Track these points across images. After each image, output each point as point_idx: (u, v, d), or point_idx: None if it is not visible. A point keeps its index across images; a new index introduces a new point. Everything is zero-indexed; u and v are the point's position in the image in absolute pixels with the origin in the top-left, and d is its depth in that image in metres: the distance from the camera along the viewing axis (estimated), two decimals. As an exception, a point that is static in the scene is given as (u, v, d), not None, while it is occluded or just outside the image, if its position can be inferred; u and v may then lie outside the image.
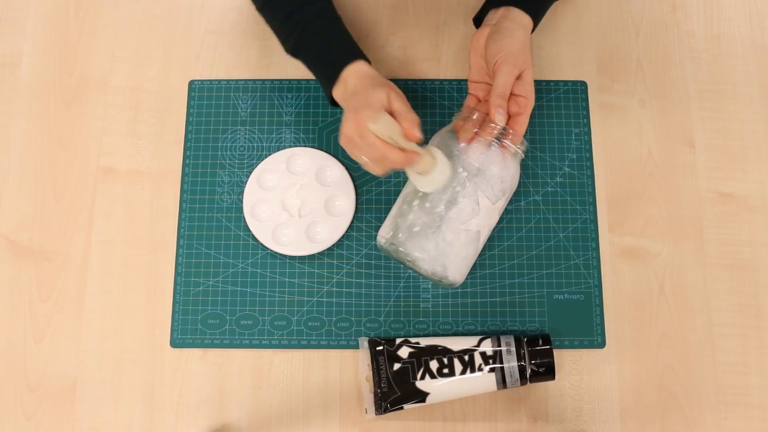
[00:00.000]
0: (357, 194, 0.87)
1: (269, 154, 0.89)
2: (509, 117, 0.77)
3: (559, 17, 0.94)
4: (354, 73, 0.77)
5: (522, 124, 0.78)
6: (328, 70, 0.79)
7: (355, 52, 0.79)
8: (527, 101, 0.78)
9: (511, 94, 0.77)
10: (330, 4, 0.82)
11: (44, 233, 0.87)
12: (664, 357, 0.83)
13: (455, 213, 0.76)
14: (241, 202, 0.87)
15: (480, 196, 0.77)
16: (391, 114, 0.73)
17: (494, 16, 0.81)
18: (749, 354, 0.83)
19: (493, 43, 0.78)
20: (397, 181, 0.88)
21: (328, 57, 0.79)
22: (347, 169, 0.88)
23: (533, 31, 0.81)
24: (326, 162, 0.88)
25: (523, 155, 0.80)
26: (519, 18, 0.79)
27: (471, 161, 0.77)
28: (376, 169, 0.73)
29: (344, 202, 0.86)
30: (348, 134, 0.73)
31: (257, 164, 0.88)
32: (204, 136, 0.90)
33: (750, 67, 0.92)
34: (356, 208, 0.86)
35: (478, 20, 0.85)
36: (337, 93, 0.78)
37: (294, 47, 0.82)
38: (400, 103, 0.73)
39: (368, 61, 0.79)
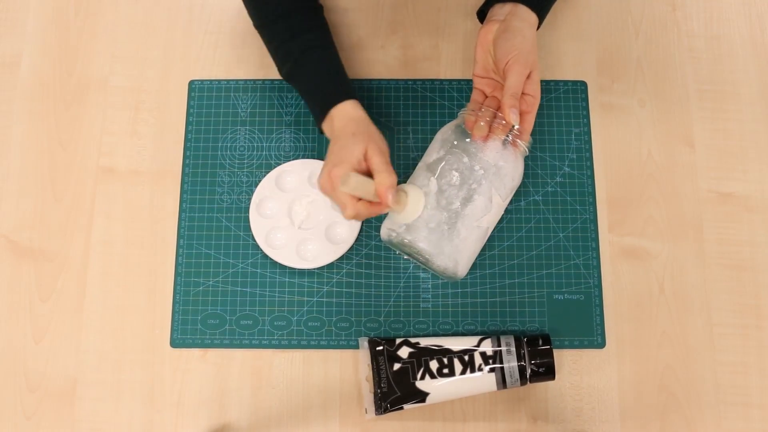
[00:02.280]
0: (363, 224, 0.86)
1: (294, 155, 0.89)
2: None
3: (559, 17, 0.94)
4: (340, 114, 0.78)
5: (529, 122, 0.79)
6: (318, 105, 0.80)
7: (344, 92, 0.79)
8: (534, 100, 0.78)
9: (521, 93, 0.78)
10: (326, 34, 0.84)
11: (44, 233, 0.87)
12: (664, 357, 0.83)
13: (470, 210, 0.77)
14: (242, 202, 0.87)
15: (493, 194, 0.77)
16: (369, 169, 0.74)
17: (501, 11, 0.81)
18: (749, 354, 0.83)
19: (505, 41, 0.78)
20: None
21: (318, 93, 0.80)
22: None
23: (538, 29, 0.81)
24: None
25: (528, 152, 0.80)
26: (527, 16, 0.79)
27: (488, 159, 0.77)
28: (344, 216, 0.74)
29: (346, 231, 0.86)
30: (321, 186, 0.74)
31: (280, 164, 0.88)
32: (204, 136, 0.90)
33: (750, 67, 0.92)
34: (356, 238, 0.86)
35: (482, 13, 0.84)
36: (326, 128, 0.80)
37: (288, 75, 0.83)
38: (378, 160, 0.73)
39: (357, 98, 0.79)
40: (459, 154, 0.78)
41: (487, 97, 0.82)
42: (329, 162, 0.74)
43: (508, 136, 0.78)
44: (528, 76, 0.78)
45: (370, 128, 0.77)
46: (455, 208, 0.77)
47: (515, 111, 0.76)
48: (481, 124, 0.78)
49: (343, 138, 0.76)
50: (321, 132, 0.81)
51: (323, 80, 0.81)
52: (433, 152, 0.80)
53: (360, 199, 0.73)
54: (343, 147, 0.75)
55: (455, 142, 0.78)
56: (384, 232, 0.80)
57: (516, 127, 0.77)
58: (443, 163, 0.78)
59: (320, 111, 0.79)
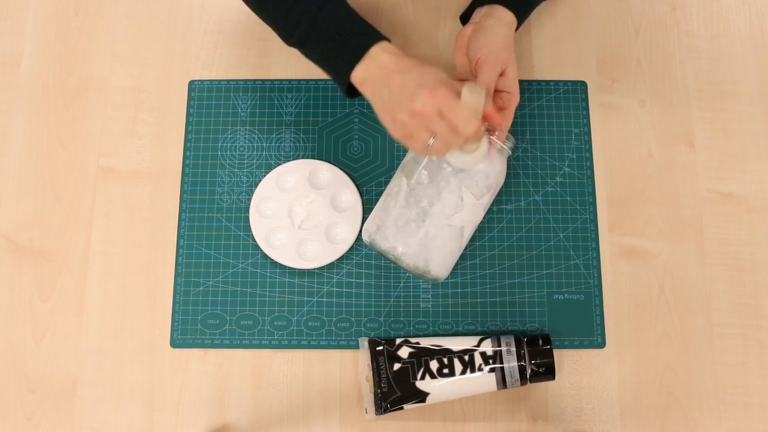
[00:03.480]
0: (363, 224, 0.86)
1: (294, 155, 0.89)
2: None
3: (559, 17, 0.94)
4: (386, 51, 0.71)
5: (506, 119, 0.77)
6: (348, 51, 0.72)
7: (379, 33, 0.74)
8: (511, 96, 0.77)
9: (495, 90, 0.77)
10: None
11: (44, 233, 0.87)
12: (664, 357, 0.83)
13: (439, 208, 0.76)
14: (242, 202, 0.87)
15: (464, 192, 0.76)
16: None
17: (479, 14, 0.81)
18: (749, 354, 0.83)
19: (475, 40, 0.78)
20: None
21: (348, 38, 0.73)
22: (362, 197, 0.87)
23: (518, 28, 0.81)
24: (344, 187, 0.87)
25: (510, 152, 0.79)
26: (502, 15, 0.79)
27: None
28: (440, 149, 0.70)
29: (345, 230, 0.86)
30: (422, 110, 0.67)
31: (280, 164, 0.88)
32: (204, 136, 0.90)
33: (750, 67, 0.92)
34: (356, 238, 0.86)
35: (465, 18, 0.84)
36: (361, 73, 0.72)
37: (302, 35, 0.75)
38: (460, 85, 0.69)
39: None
40: None
41: None
42: (416, 86, 0.67)
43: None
44: (503, 74, 0.77)
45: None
46: (423, 206, 0.76)
47: None
48: None
49: (414, 67, 0.69)
50: (349, 92, 0.75)
51: (352, 25, 0.74)
52: (408, 154, 0.81)
53: None
54: (425, 71, 0.69)
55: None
56: (364, 234, 0.80)
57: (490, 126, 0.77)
58: (412, 162, 0.78)
59: (354, 55, 0.72)
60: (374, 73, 0.72)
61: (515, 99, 0.78)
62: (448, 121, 0.67)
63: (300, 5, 0.75)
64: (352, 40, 0.73)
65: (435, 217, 0.76)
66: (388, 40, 0.74)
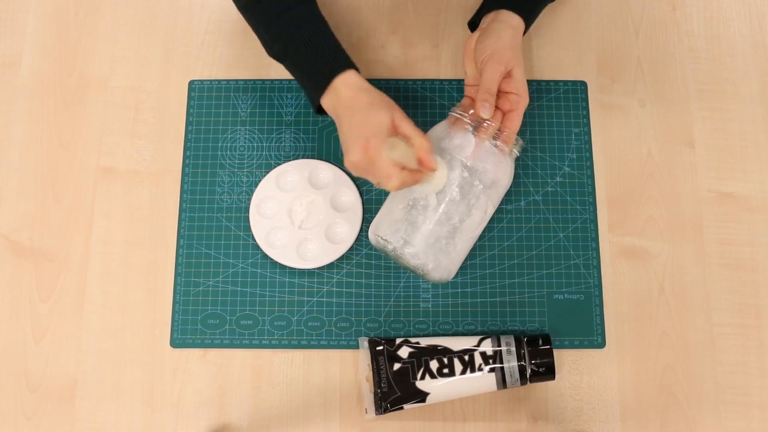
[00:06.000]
0: (363, 223, 0.86)
1: (294, 155, 0.89)
2: (503, 115, 0.77)
3: (558, 17, 0.94)
4: (346, 85, 0.75)
5: (514, 121, 0.77)
6: (316, 78, 0.76)
7: (346, 61, 0.76)
8: (519, 98, 0.77)
9: (502, 92, 0.77)
10: (317, 9, 0.80)
11: (44, 233, 0.87)
12: (664, 357, 0.83)
13: (468, 224, 0.77)
14: (242, 202, 0.87)
15: (488, 205, 0.78)
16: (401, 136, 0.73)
17: (486, 20, 0.81)
18: (749, 354, 0.83)
19: (480, 44, 0.78)
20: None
21: (317, 64, 0.76)
22: (362, 197, 0.87)
23: (526, 31, 0.81)
24: (344, 187, 0.87)
25: (518, 153, 0.79)
26: (508, 19, 0.79)
27: (488, 175, 0.76)
28: (388, 188, 0.73)
29: (346, 230, 0.86)
30: (357, 163, 0.72)
31: (280, 164, 0.88)
32: (204, 136, 0.90)
33: (750, 67, 0.92)
34: (356, 238, 0.86)
35: (473, 25, 0.84)
36: (327, 102, 0.76)
37: (280, 51, 0.79)
38: (408, 126, 0.73)
39: (358, 70, 0.76)
40: (460, 168, 0.76)
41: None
42: (355, 137, 0.72)
43: (495, 139, 0.77)
44: (509, 75, 0.77)
45: (384, 97, 0.75)
46: (454, 223, 0.76)
47: (486, 105, 0.75)
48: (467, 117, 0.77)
49: (361, 110, 0.73)
50: (319, 110, 0.78)
51: (322, 52, 0.77)
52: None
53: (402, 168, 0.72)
54: (367, 119, 0.72)
55: (452, 152, 0.77)
56: (378, 240, 0.79)
57: (505, 129, 0.77)
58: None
59: (320, 84, 0.75)
60: (335, 104, 0.75)
61: (523, 100, 0.77)
62: (379, 171, 0.72)
63: (279, 21, 0.78)
64: (318, 70, 0.76)
65: (464, 233, 0.77)
66: (355, 68, 0.76)
